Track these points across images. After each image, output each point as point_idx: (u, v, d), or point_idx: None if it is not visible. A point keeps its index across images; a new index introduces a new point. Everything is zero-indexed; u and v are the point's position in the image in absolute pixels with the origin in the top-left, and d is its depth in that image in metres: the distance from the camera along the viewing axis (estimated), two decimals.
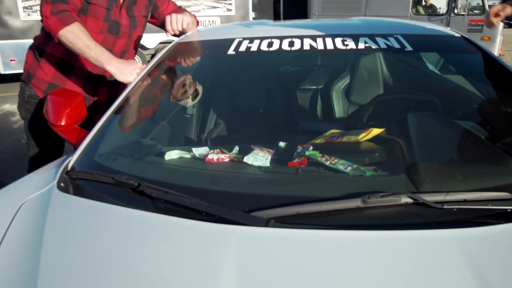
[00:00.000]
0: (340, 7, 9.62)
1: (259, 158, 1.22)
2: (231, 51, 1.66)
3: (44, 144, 1.94)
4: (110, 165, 1.25)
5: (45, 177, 1.22)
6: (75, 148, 1.40)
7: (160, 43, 9.35)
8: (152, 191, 1.02)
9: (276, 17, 10.52)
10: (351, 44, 1.63)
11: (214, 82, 1.93)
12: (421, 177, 1.11)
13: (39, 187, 1.14)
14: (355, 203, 0.93)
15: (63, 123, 1.47)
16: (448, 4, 8.91)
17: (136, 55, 8.68)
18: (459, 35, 1.81)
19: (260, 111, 1.76)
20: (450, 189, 0.99)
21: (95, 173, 1.14)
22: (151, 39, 8.66)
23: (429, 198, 0.94)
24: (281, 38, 1.71)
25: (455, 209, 0.93)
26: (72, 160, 1.25)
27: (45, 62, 1.89)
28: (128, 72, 1.66)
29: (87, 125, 1.53)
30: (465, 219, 0.92)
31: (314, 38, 1.69)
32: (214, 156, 1.24)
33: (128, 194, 1.07)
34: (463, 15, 8.72)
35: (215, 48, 1.86)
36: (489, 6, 9.12)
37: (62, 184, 1.13)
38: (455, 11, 8.79)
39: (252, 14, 10.01)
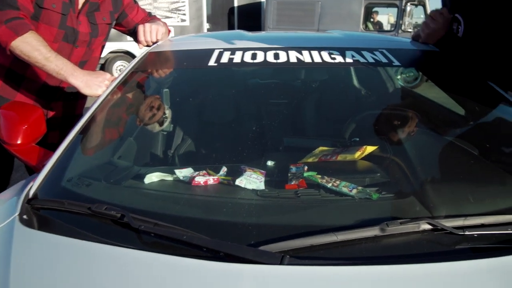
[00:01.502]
0: (294, 21, 9.89)
1: (252, 180, 1.16)
2: (212, 63, 1.61)
3: None
4: (83, 192, 1.13)
5: (5, 207, 1.08)
6: (36, 170, 1.26)
7: (111, 52, 9.10)
8: (140, 224, 0.90)
9: (230, 29, 10.68)
10: (338, 58, 1.62)
11: (192, 95, 1.87)
12: (434, 200, 1.09)
13: None
14: (373, 231, 0.89)
15: (19, 142, 1.32)
16: (396, 21, 9.51)
17: None
18: (437, 50, 1.87)
19: (242, 126, 1.73)
20: (466, 212, 0.98)
21: (65, 202, 1.01)
22: None
23: (448, 223, 0.92)
24: (265, 50, 1.68)
25: (475, 235, 0.91)
26: (34, 186, 1.11)
27: None
28: (96, 84, 1.57)
29: (41, 144, 1.42)
30: (489, 246, 0.91)
31: (299, 50, 1.67)
32: (201, 178, 1.17)
33: (109, 227, 0.95)
34: (409, 31, 9.29)
35: (193, 59, 1.81)
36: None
37: (25, 217, 0.99)
38: (402, 28, 9.38)
39: (206, 25, 10.18)
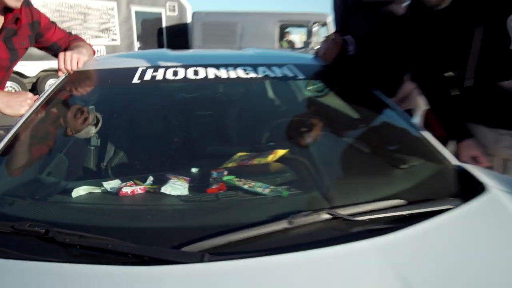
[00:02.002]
0: (219, 40, 9.88)
1: (177, 187, 1.14)
2: (135, 80, 1.56)
3: None
4: (5, 211, 1.03)
5: None
6: None
7: (42, 71, 8.50)
8: (65, 237, 0.84)
9: (160, 47, 10.52)
10: (251, 73, 1.64)
11: (118, 111, 1.79)
12: (332, 194, 1.15)
13: None
14: (282, 225, 0.92)
15: None
16: (306, 41, 9.88)
17: (15, 84, 7.75)
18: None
19: (169, 138, 1.68)
20: (358, 201, 1.03)
21: None
22: (32, 67, 7.91)
23: (343, 212, 0.97)
24: (186, 67, 1.65)
25: (366, 220, 0.96)
26: None
27: None
28: (18, 104, 1.44)
29: None
30: (376, 228, 0.96)
31: (217, 67, 1.67)
32: (128, 189, 1.12)
33: (35, 244, 0.87)
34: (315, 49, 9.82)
35: (117, 77, 1.73)
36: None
37: None
38: (310, 46, 9.71)
39: (137, 44, 9.90)
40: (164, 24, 10.36)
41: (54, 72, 8.86)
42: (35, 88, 8.33)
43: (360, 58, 1.93)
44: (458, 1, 1.51)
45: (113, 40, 9.25)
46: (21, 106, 1.45)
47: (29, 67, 7.71)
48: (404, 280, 0.78)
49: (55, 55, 1.80)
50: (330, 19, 9.72)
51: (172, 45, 10.43)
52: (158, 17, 10.26)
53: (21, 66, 7.98)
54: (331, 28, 9.72)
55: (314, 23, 9.67)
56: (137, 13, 9.71)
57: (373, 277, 0.81)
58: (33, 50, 1.93)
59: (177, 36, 10.54)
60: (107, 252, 0.82)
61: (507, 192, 1.13)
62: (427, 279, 0.81)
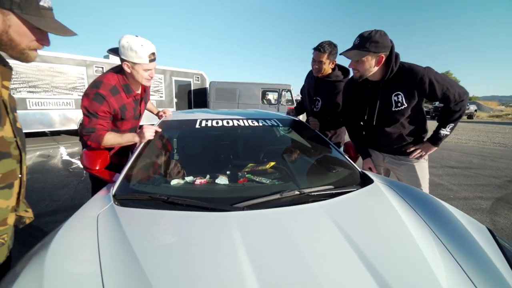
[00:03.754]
0: (225, 98, 9.98)
1: (223, 179, 1.26)
2: (197, 126, 1.65)
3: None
4: (142, 189, 1.15)
5: (103, 198, 1.07)
6: (108, 181, 1.25)
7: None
8: (178, 200, 0.99)
9: (189, 102, 10.23)
10: (255, 122, 1.75)
11: (190, 140, 1.82)
12: (299, 183, 1.24)
13: (103, 204, 1.02)
14: (277, 196, 1.06)
15: (97, 168, 1.32)
16: (277, 99, 9.93)
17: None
18: (297, 119, 2.03)
19: (214, 155, 1.72)
20: (311, 186, 1.16)
21: (135, 194, 1.07)
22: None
23: (304, 191, 1.10)
24: (221, 119, 1.74)
25: (314, 194, 1.10)
26: (114, 188, 1.14)
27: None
28: (148, 135, 1.47)
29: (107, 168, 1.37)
30: (321, 198, 1.08)
31: (238, 119, 1.78)
32: (198, 180, 1.24)
33: (161, 204, 1.00)
34: (284, 105, 9.95)
35: (187, 124, 1.75)
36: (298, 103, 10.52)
37: (116, 203, 1.03)
38: (281, 103, 9.85)
39: (175, 100, 9.73)
40: (192, 88, 10.33)
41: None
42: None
43: (322, 111, 2.02)
44: (372, 83, 1.52)
45: (160, 97, 9.17)
46: (150, 135, 1.45)
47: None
48: (332, 219, 0.91)
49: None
50: (291, 87, 9.77)
51: (196, 101, 10.36)
52: (188, 83, 10.22)
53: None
54: (294, 93, 9.79)
55: (282, 90, 9.81)
56: (176, 81, 9.72)
57: (317, 219, 0.92)
58: None
59: (199, 96, 10.53)
60: (199, 207, 0.98)
61: (383, 184, 1.26)
62: (346, 219, 0.93)
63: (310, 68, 2.04)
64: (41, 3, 0.73)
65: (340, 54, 1.46)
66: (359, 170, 1.43)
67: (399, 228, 0.91)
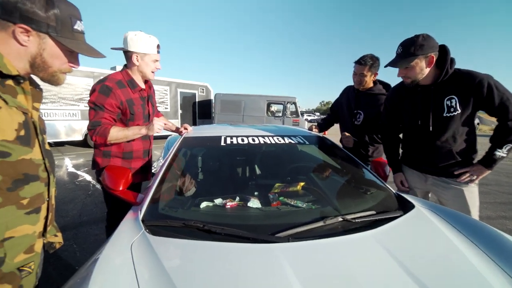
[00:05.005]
0: (230, 110, 9.99)
1: (255, 203, 1.20)
2: (222, 143, 1.58)
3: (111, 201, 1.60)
4: (172, 214, 1.09)
5: (133, 224, 1.00)
6: (134, 204, 1.18)
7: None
8: (216, 229, 0.93)
9: (194, 114, 10.26)
10: (280, 139, 1.67)
11: (216, 159, 1.81)
12: (339, 207, 1.19)
13: (134, 232, 0.95)
14: (320, 223, 1.00)
15: (120, 188, 1.24)
16: (283, 111, 9.97)
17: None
18: (322, 135, 1.92)
19: (239, 174, 1.68)
20: (353, 211, 1.09)
21: (168, 221, 1.00)
22: None
23: (347, 217, 1.04)
24: (246, 136, 1.68)
25: (359, 221, 1.04)
26: (142, 212, 1.06)
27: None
28: (157, 128, 1.48)
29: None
30: (365, 225, 1.02)
31: (263, 136, 1.71)
32: (229, 203, 1.19)
33: (195, 232, 0.95)
34: (289, 117, 9.99)
35: (212, 141, 1.68)
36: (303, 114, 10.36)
37: (147, 231, 0.96)
38: (286, 115, 9.89)
39: (180, 111, 9.79)
40: (197, 100, 10.39)
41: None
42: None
43: (365, 124, 1.96)
44: (422, 87, 1.44)
45: (165, 108, 9.23)
46: (159, 128, 1.45)
47: None
48: (387, 250, 0.86)
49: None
50: (296, 100, 9.84)
51: (201, 112, 10.41)
52: (193, 95, 10.28)
53: None
54: (298, 106, 9.90)
55: (287, 102, 9.87)
56: (181, 92, 9.78)
57: (371, 251, 0.87)
58: None
59: (204, 107, 10.56)
60: (236, 236, 0.91)
61: (425, 208, 1.21)
62: (401, 249, 0.88)
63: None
64: (75, 27, 0.77)
65: (385, 66, 1.44)
66: (394, 191, 1.37)
67: (457, 257, 0.88)
